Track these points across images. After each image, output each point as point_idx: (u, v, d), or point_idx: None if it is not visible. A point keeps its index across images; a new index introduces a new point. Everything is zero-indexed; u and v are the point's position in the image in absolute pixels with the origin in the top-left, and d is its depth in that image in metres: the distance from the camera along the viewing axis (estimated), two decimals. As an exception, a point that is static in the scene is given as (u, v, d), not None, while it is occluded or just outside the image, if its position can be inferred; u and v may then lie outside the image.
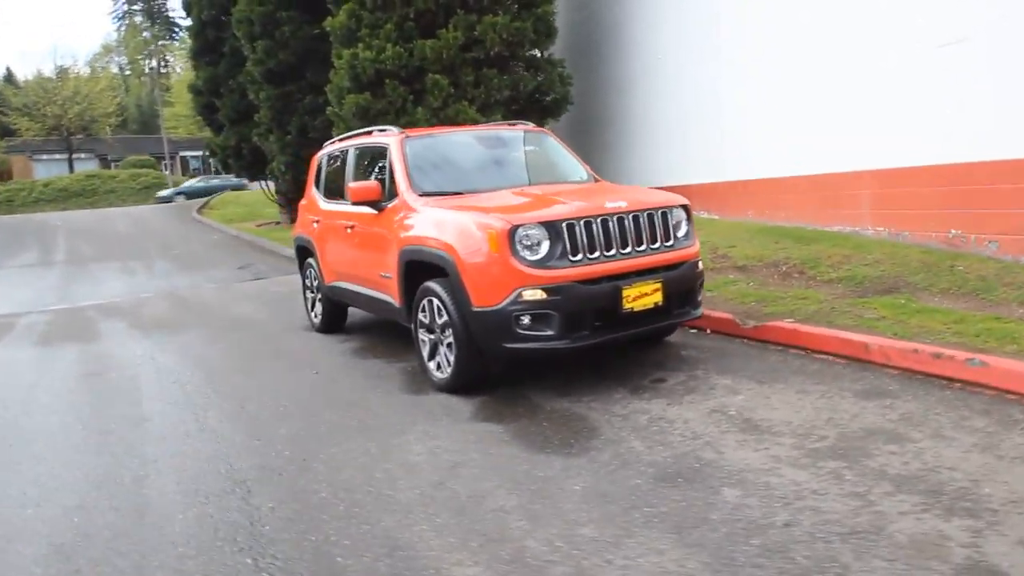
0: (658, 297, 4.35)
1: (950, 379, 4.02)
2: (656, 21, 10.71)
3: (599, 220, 4.25)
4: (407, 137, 5.36)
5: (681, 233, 4.66)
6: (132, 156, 41.73)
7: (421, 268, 4.71)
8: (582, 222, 4.20)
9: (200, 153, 49.08)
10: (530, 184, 5.25)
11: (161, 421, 4.53)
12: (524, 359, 4.71)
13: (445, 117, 10.47)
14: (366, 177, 5.68)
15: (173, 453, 3.95)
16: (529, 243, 4.13)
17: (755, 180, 9.07)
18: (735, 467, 3.16)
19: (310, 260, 6.79)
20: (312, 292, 6.91)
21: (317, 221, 6.47)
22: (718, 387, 4.27)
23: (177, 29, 59.11)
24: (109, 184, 35.22)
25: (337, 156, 6.36)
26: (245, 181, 37.55)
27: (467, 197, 4.88)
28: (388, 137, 5.45)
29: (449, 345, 4.50)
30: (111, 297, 10.16)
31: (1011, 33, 6.06)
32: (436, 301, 4.52)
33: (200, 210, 24.64)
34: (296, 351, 6.20)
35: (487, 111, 10.98)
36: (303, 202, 7.15)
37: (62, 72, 45.34)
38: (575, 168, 5.70)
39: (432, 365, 4.73)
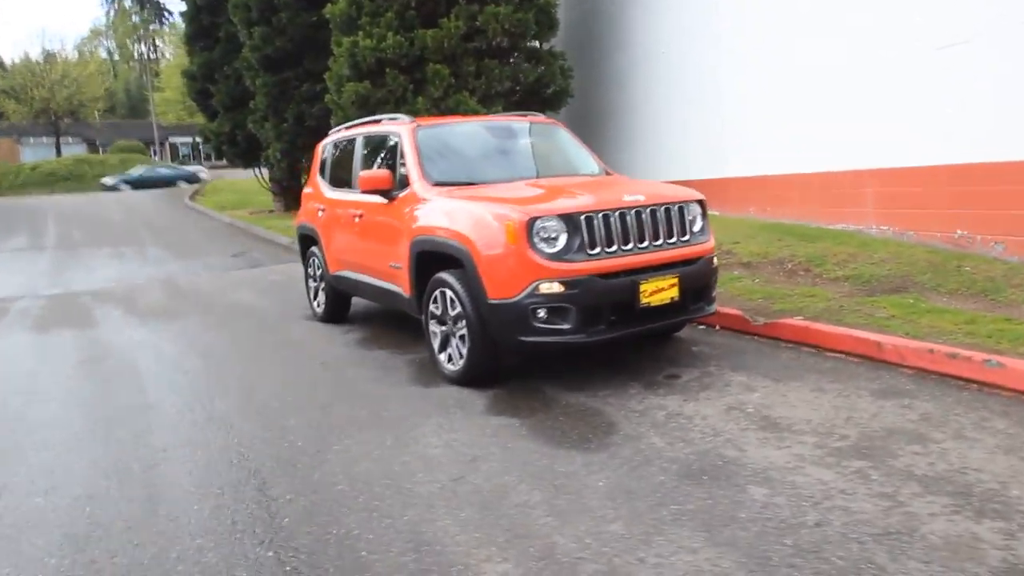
0: (674, 292, 4.31)
1: (966, 380, 4.02)
2: (656, 13, 10.65)
3: (617, 213, 4.20)
4: (419, 126, 5.28)
5: (697, 228, 4.63)
6: (121, 141, 41.19)
7: (433, 259, 4.65)
8: (600, 215, 4.15)
9: (190, 139, 48.68)
10: (542, 176, 5.20)
11: (167, 409, 4.45)
12: (537, 352, 4.67)
13: (446, 107, 10.38)
14: (375, 166, 5.61)
15: (182, 442, 3.87)
16: (547, 235, 4.08)
17: (757, 177, 9.06)
18: (759, 465, 3.13)
19: (313, 249, 6.70)
20: (315, 281, 6.83)
21: (322, 209, 6.38)
22: (733, 384, 4.24)
23: (167, 14, 58.46)
24: (97, 169, 34.71)
25: (344, 144, 6.27)
26: (202, 170, 36.42)
27: (480, 188, 4.82)
28: (399, 126, 5.38)
29: (462, 337, 4.45)
30: (104, 283, 10.02)
31: (1015, 35, 6.07)
32: (449, 292, 4.46)
33: (192, 197, 24.39)
34: (299, 340, 6.13)
35: (488, 102, 10.91)
36: (307, 190, 7.06)
37: (50, 56, 44.70)
38: (587, 161, 5.65)
39: (443, 357, 4.68)
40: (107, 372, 5.41)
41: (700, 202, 4.70)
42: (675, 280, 4.31)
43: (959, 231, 6.64)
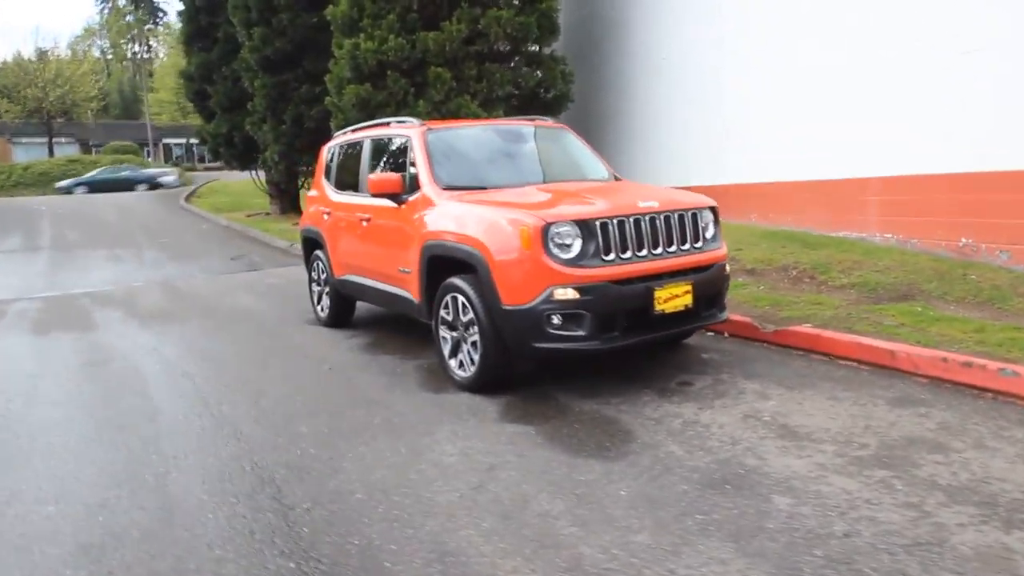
0: (688, 299, 4.30)
1: (981, 389, 4.01)
2: (657, 16, 10.67)
3: (632, 219, 4.18)
4: (429, 129, 5.25)
5: (709, 235, 4.62)
6: (114, 141, 40.95)
7: (445, 263, 4.61)
8: (615, 221, 4.13)
9: (183, 141, 48.47)
10: (551, 180, 5.18)
11: (174, 415, 4.40)
12: (549, 359, 4.64)
13: (447, 111, 10.36)
14: (383, 169, 5.57)
15: (192, 449, 3.82)
16: (561, 241, 4.05)
17: (759, 184, 9.07)
18: (781, 474, 3.11)
19: (318, 253, 6.65)
20: (319, 285, 6.78)
21: (328, 213, 6.34)
22: (747, 391, 4.23)
23: (161, 14, 58.24)
24: (91, 169, 34.43)
25: (350, 147, 6.23)
26: (166, 173, 33.80)
27: (491, 192, 4.79)
28: (409, 129, 5.34)
29: (474, 343, 4.41)
30: (102, 285, 9.92)
31: (1021, 43, 6.10)
32: (461, 298, 4.43)
33: (187, 198, 24.26)
34: (304, 345, 6.08)
35: (489, 106, 10.89)
36: (311, 193, 7.02)
37: (43, 55, 44.39)
38: (596, 165, 5.63)
39: (453, 363, 4.64)
40: (110, 376, 5.35)
41: (712, 208, 4.69)
42: (689, 287, 4.30)
43: (964, 239, 6.66)
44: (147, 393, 4.88)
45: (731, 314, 5.62)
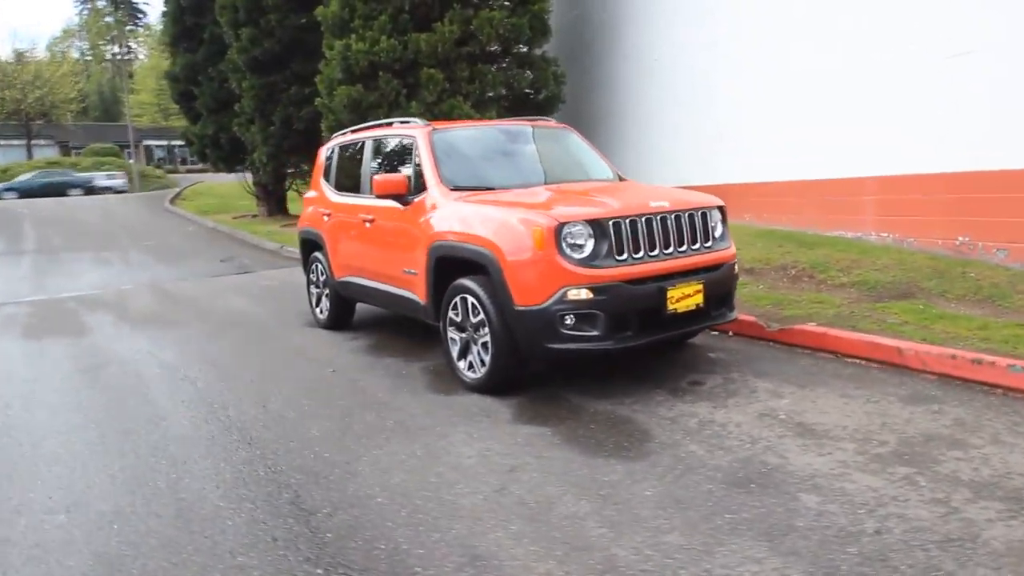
0: (699, 298, 4.29)
1: (991, 385, 4.04)
2: (648, 18, 10.70)
3: (643, 219, 4.17)
4: (434, 130, 5.21)
5: (718, 234, 4.62)
6: (95, 144, 40.38)
7: (453, 264, 4.58)
8: (627, 221, 4.12)
9: (165, 142, 47.98)
10: (558, 181, 5.15)
11: (180, 420, 4.32)
12: (561, 359, 4.62)
13: (439, 112, 10.32)
14: (386, 170, 5.52)
15: (202, 454, 3.75)
16: (574, 241, 4.03)
17: (753, 183, 9.11)
18: (804, 472, 3.11)
19: (317, 254, 6.58)
20: (318, 287, 6.71)
21: (328, 214, 6.27)
22: (759, 390, 4.23)
23: (141, 15, 57.59)
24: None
25: (351, 148, 6.17)
26: (115, 176, 31.28)
27: (499, 193, 4.76)
28: (413, 129, 5.30)
29: (484, 345, 4.37)
30: (89, 289, 9.76)
31: (1016, 46, 6.17)
32: (471, 299, 4.39)
33: (172, 201, 23.98)
34: (305, 348, 6.00)
35: (481, 107, 10.87)
36: (309, 194, 6.95)
37: (21, 56, 43.69)
38: (601, 166, 5.62)
39: (462, 365, 4.60)
40: (110, 381, 5.25)
41: (720, 208, 4.69)
42: (700, 286, 4.29)
43: (960, 237, 6.73)
44: (149, 398, 4.80)
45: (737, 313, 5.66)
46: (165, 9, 18.11)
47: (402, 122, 5.67)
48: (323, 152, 6.74)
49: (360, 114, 11.02)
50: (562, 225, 4.00)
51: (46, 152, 42.16)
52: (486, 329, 4.32)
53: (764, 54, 8.72)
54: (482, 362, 4.42)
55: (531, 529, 2.77)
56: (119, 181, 32.39)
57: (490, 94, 11.13)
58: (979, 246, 6.57)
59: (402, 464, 3.47)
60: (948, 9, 6.70)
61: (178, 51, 17.83)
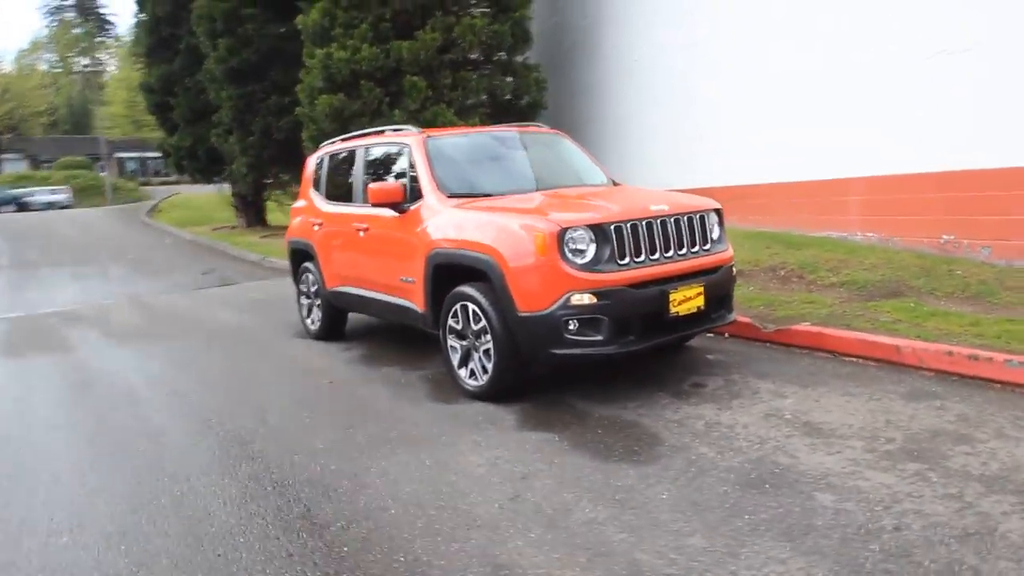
0: (700, 301, 4.31)
1: (988, 380, 4.11)
2: (628, 23, 10.76)
3: (644, 223, 4.19)
4: (429, 137, 5.19)
5: (715, 236, 4.65)
6: (65, 157, 39.72)
7: (453, 272, 4.55)
8: (628, 225, 4.13)
9: (138, 154, 47.33)
10: (554, 187, 5.14)
11: (178, 435, 4.24)
12: (564, 365, 4.61)
13: (423, 120, 10.28)
14: (380, 178, 5.49)
15: (205, 470, 3.68)
16: (576, 246, 4.03)
17: (738, 186, 9.18)
18: (816, 471, 3.13)
19: (307, 264, 6.51)
20: (308, 298, 6.63)
21: (319, 224, 6.21)
22: (761, 391, 4.25)
23: (110, 26, 56.82)
24: (42, 186, 33.31)
25: (342, 157, 6.13)
26: (59, 190, 29.18)
27: (497, 199, 4.75)
28: (407, 137, 5.27)
29: (486, 352, 4.35)
30: (69, 304, 9.57)
31: (998, 46, 6.31)
32: (472, 306, 4.37)
33: (149, 213, 23.64)
34: (298, 359, 5.93)
35: (464, 114, 10.87)
36: (297, 204, 6.88)
37: (-12, 69, 42.96)
38: (594, 171, 5.64)
39: (463, 372, 4.57)
40: (100, 398, 5.14)
41: (717, 211, 4.72)
42: (701, 289, 4.31)
43: (945, 236, 6.84)
44: (143, 414, 4.70)
45: (731, 315, 5.69)
46: (136, 20, 17.90)
47: (395, 130, 5.64)
48: (312, 161, 6.68)
49: (342, 123, 10.97)
50: (564, 230, 4.00)
51: (17, 166, 41.39)
52: (488, 336, 4.30)
53: (744, 55, 8.81)
54: (484, 369, 4.40)
55: (551, 536, 2.75)
56: (62, 196, 30.80)
57: (472, 101, 11.14)
58: (964, 244, 6.69)
59: (412, 474, 3.43)
60: (929, 10, 6.83)
61: (153, 62, 17.63)
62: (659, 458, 3.41)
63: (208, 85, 15.00)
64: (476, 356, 4.45)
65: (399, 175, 5.22)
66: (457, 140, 5.36)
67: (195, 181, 19.04)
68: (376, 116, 10.71)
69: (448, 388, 4.73)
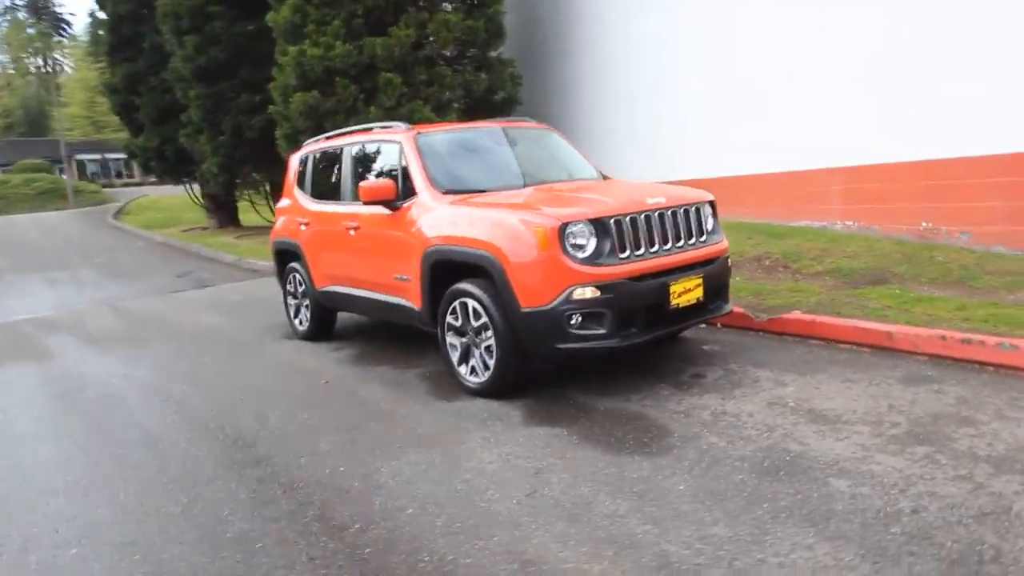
0: (699, 292, 4.35)
1: (982, 363, 4.21)
2: (601, 16, 10.78)
3: (643, 216, 4.21)
4: (419, 133, 5.15)
5: (710, 228, 4.69)
6: (23, 160, 38.60)
7: (450, 269, 4.53)
8: (628, 218, 4.15)
9: (99, 156, 46.23)
10: (547, 182, 5.14)
11: (176, 442, 4.15)
12: (565, 359, 4.60)
13: (399, 116, 10.19)
14: (370, 176, 5.43)
15: (210, 476, 3.61)
16: (577, 241, 4.03)
17: (717, 179, 9.24)
18: (828, 458, 3.18)
19: (294, 265, 6.42)
20: (296, 298, 6.55)
21: (306, 223, 6.13)
22: (761, 380, 4.31)
23: (66, 25, 55.33)
24: (1, 190, 32.37)
25: (328, 155, 6.05)
26: None
27: (493, 195, 4.73)
28: (397, 134, 5.22)
29: (487, 348, 4.34)
30: (42, 311, 9.31)
31: (976, 39, 6.45)
32: (472, 303, 4.35)
33: (116, 216, 23.11)
34: (290, 360, 5.85)
35: (440, 111, 10.80)
36: (281, 204, 6.78)
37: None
38: (584, 165, 5.64)
39: (463, 370, 4.55)
40: (89, 406, 5.01)
41: (711, 202, 4.77)
42: (700, 280, 4.35)
43: (924, 223, 6.99)
44: (136, 422, 4.60)
45: (722, 305, 5.74)
46: (92, 19, 17.46)
47: (383, 127, 5.58)
48: (295, 160, 6.59)
49: (317, 120, 10.84)
50: (565, 225, 4.00)
51: (-29, 170, 40.14)
52: (489, 332, 4.28)
53: (725, 50, 8.88)
54: (485, 366, 4.38)
55: (574, 531, 2.75)
56: None
57: (447, 96, 11.08)
58: (943, 231, 6.85)
59: (424, 473, 3.41)
60: (909, 4, 6.94)
61: (116, 61, 17.19)
62: (671, 449, 3.43)
63: (175, 84, 14.68)
64: (476, 353, 4.44)
65: (390, 172, 5.16)
66: (448, 136, 5.32)
67: (163, 182, 18.67)
68: (351, 113, 10.59)
69: (447, 385, 4.70)
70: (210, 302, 9.06)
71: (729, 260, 4.80)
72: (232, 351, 6.34)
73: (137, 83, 16.54)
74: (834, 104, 7.65)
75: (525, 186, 4.97)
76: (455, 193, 4.77)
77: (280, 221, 6.70)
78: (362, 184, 5.02)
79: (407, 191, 4.94)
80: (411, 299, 4.93)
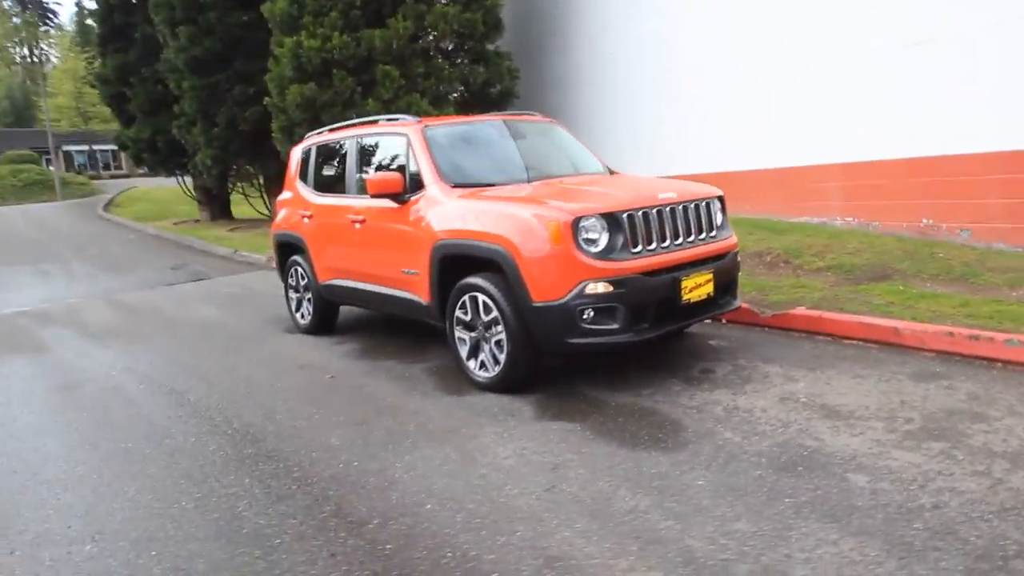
0: (710, 287, 4.35)
1: (990, 359, 4.23)
2: (602, 12, 10.75)
3: (655, 211, 4.20)
4: (427, 126, 5.11)
5: (719, 223, 4.69)
6: (9, 151, 38.11)
7: (459, 263, 4.50)
8: (640, 213, 4.14)
9: (86, 147, 45.76)
10: (555, 176, 5.13)
11: (183, 436, 4.11)
12: (577, 354, 4.60)
13: (396, 109, 10.14)
14: (375, 169, 5.39)
15: (221, 471, 3.58)
16: (589, 235, 4.02)
17: (716, 173, 9.26)
18: (845, 453, 3.19)
19: (296, 258, 6.38)
20: (298, 292, 6.50)
21: (309, 216, 6.08)
22: (771, 375, 4.32)
23: (52, 15, 54.59)
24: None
25: (331, 148, 6.00)
26: None
27: (502, 188, 4.71)
28: (404, 127, 5.18)
29: (498, 343, 4.32)
30: (36, 303, 9.22)
31: (975, 36, 6.48)
32: (482, 297, 4.33)
33: (106, 207, 22.88)
34: (293, 354, 5.81)
35: (438, 104, 10.75)
36: (283, 196, 6.72)
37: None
38: (591, 160, 5.63)
39: (472, 364, 4.53)
40: (91, 400, 4.95)
41: (720, 198, 4.76)
42: (710, 275, 4.35)
43: (925, 220, 7.03)
44: (142, 415, 4.55)
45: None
46: (78, 8, 17.28)
47: (389, 119, 5.54)
48: (297, 152, 6.53)
49: (314, 113, 10.77)
50: (578, 219, 3.98)
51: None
52: (500, 327, 4.26)
53: (724, 49, 8.88)
54: (495, 361, 4.37)
55: (597, 526, 2.75)
56: None
57: (445, 89, 11.04)
58: (943, 228, 6.88)
59: (440, 468, 3.39)
60: (911, 2, 6.95)
61: (107, 51, 16.98)
62: (686, 444, 3.43)
63: (168, 75, 14.52)
64: (486, 347, 4.42)
65: (397, 165, 5.13)
66: (455, 129, 5.29)
67: (155, 174, 18.46)
68: (348, 106, 10.53)
69: (455, 380, 4.69)
70: (206, 295, 9.00)
71: (738, 255, 4.80)
72: (233, 345, 6.29)
73: (128, 73, 16.36)
74: (834, 104, 7.67)
75: (531, 180, 4.95)
76: (463, 187, 4.75)
77: (281, 214, 6.65)
78: (368, 177, 4.99)
79: (414, 184, 4.91)
80: (419, 293, 4.91)
